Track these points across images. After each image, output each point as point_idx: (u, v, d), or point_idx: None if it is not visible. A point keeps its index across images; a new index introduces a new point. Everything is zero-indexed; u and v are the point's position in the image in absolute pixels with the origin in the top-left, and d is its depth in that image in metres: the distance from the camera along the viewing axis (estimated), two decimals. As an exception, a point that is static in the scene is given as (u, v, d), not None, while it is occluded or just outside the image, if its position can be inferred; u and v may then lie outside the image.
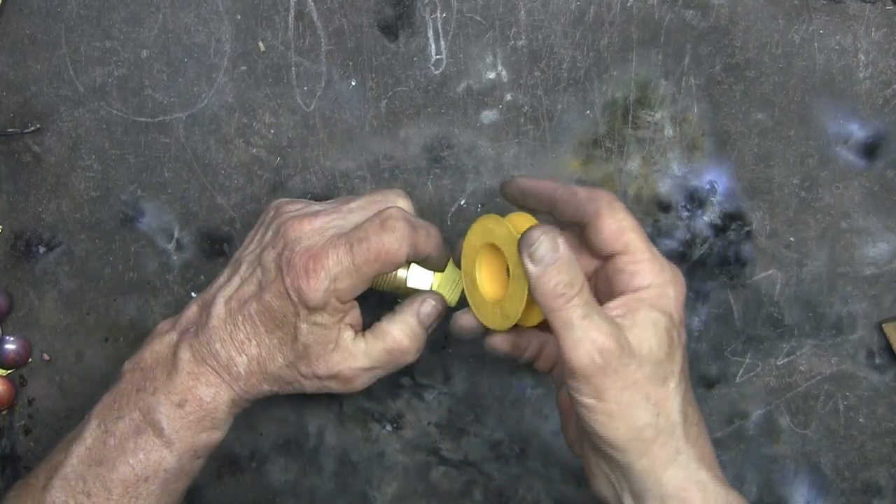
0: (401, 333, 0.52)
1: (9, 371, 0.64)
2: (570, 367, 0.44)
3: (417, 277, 0.54)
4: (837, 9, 0.58)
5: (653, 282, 0.47)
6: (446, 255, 0.54)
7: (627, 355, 0.44)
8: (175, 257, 0.63)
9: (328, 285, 0.48)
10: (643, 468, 0.45)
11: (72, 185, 0.63)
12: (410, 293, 0.55)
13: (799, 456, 0.63)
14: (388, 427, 0.65)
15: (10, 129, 0.62)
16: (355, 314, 0.52)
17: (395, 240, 0.49)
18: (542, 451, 0.64)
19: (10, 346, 0.64)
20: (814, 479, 0.64)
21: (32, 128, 0.62)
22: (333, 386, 0.52)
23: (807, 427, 0.63)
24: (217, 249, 0.63)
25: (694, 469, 0.46)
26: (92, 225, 0.63)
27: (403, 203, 0.53)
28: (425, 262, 0.54)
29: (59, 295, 0.64)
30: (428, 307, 0.53)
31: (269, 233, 0.52)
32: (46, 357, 0.64)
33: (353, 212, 0.52)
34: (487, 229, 0.50)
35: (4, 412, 0.65)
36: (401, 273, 0.53)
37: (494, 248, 0.51)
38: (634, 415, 0.45)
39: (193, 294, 0.63)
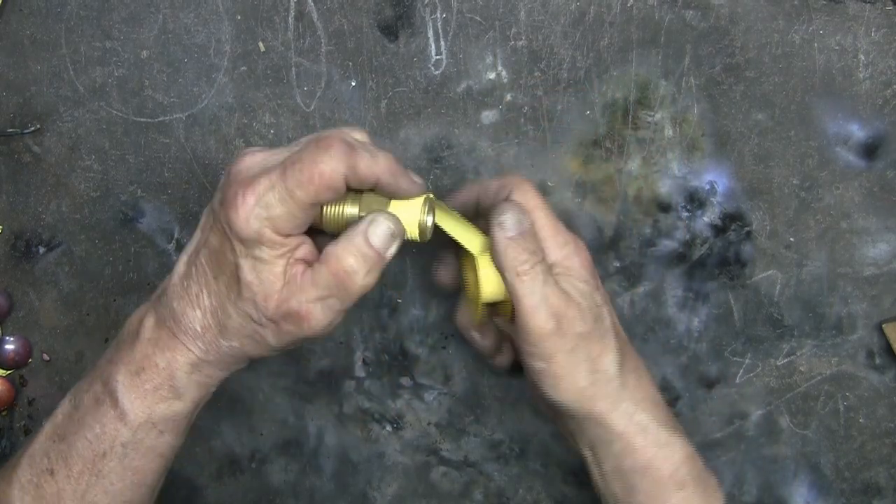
0: (344, 252, 0.46)
1: (9, 371, 0.64)
2: (527, 330, 0.49)
3: (370, 209, 0.48)
4: (837, 9, 0.58)
5: (560, 255, 0.52)
6: (408, 183, 0.48)
7: (574, 321, 0.50)
8: (175, 258, 0.63)
9: (258, 212, 0.44)
10: (591, 420, 0.51)
11: (72, 185, 0.63)
12: None
13: (799, 456, 0.63)
14: (388, 427, 0.65)
15: (10, 130, 0.62)
16: (307, 249, 0.47)
17: (328, 159, 0.45)
18: (542, 452, 0.64)
19: (10, 347, 0.64)
20: (814, 479, 0.64)
21: (32, 128, 0.62)
22: (292, 329, 0.46)
23: (807, 427, 0.63)
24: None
25: (633, 412, 0.51)
26: (92, 225, 0.63)
27: (358, 134, 0.48)
28: (384, 192, 0.49)
29: (59, 295, 0.64)
30: (379, 227, 0.47)
31: (223, 177, 0.48)
32: (46, 357, 0.64)
33: (300, 145, 0.47)
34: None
35: (4, 412, 0.65)
36: (351, 209, 0.48)
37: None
38: (578, 375, 0.50)
39: (193, 294, 0.63)
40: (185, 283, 0.48)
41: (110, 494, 0.48)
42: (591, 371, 0.50)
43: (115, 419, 0.47)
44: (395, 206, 0.49)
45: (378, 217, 0.47)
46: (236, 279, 0.46)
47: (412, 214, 0.49)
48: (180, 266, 0.49)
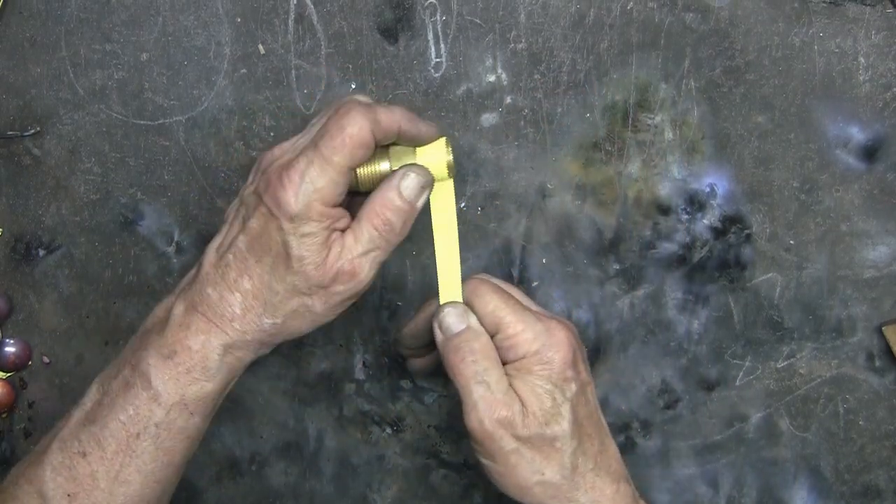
0: (382, 208, 0.50)
1: (9, 374, 0.64)
2: (466, 427, 0.50)
3: (400, 161, 0.52)
4: (837, 12, 0.58)
5: (527, 351, 0.51)
6: (424, 127, 0.52)
7: (515, 423, 0.49)
8: (175, 260, 0.63)
9: (305, 188, 0.48)
10: None
11: (71, 188, 0.63)
12: None
13: (799, 459, 0.63)
14: (388, 430, 0.65)
15: (9, 132, 0.62)
16: (346, 221, 0.50)
17: (352, 120, 0.48)
18: (542, 454, 0.64)
19: (10, 349, 0.64)
20: (814, 482, 0.64)
21: (32, 131, 0.62)
22: (342, 288, 0.50)
23: (807, 430, 0.63)
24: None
25: None
26: (92, 228, 0.63)
27: (363, 98, 0.52)
28: (405, 142, 0.52)
29: (59, 298, 0.64)
30: (409, 180, 0.51)
31: (250, 176, 0.52)
32: (46, 360, 0.64)
33: (315, 125, 0.51)
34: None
35: (4, 415, 0.65)
36: (383, 165, 0.52)
37: None
38: (521, 475, 0.50)
39: (193, 297, 0.63)
40: (221, 271, 0.50)
41: (143, 473, 0.50)
42: (535, 472, 0.50)
43: (149, 400, 0.49)
44: (421, 152, 0.53)
45: (408, 172, 0.51)
46: (285, 256, 0.49)
47: (439, 155, 0.53)
48: (210, 256, 0.51)
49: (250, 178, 0.52)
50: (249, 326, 0.50)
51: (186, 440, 0.51)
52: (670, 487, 0.64)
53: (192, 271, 0.53)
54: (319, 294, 0.50)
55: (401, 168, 0.51)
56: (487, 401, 0.49)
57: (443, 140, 0.53)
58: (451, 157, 0.53)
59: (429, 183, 0.52)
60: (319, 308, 0.50)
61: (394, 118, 0.50)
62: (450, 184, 0.53)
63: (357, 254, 0.50)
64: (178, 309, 0.50)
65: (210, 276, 0.50)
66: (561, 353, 0.51)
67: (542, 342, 0.51)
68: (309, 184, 0.48)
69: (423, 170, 0.52)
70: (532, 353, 0.50)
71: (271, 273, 0.49)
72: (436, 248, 0.54)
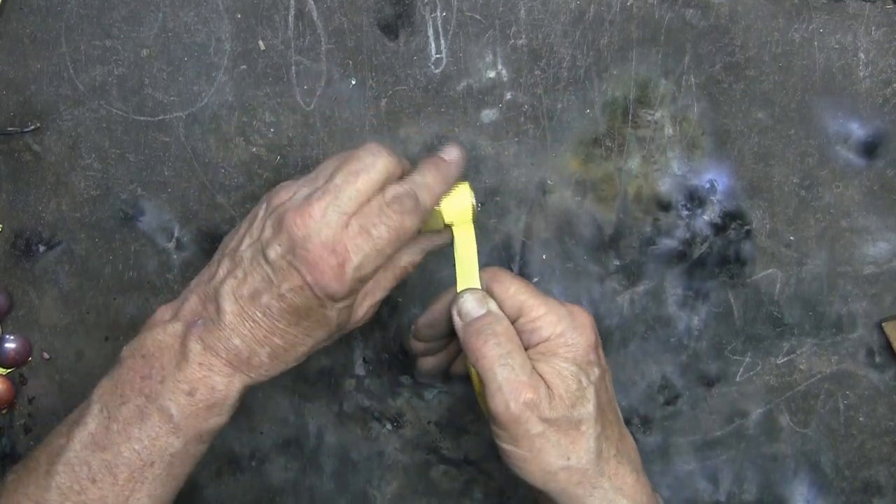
0: (409, 265, 0.53)
1: (9, 370, 0.64)
2: (490, 413, 0.49)
3: (429, 222, 0.54)
4: (837, 8, 0.58)
5: (552, 333, 0.51)
6: (447, 169, 0.53)
7: (541, 405, 0.49)
8: (175, 256, 0.63)
9: (353, 275, 0.49)
10: (566, 500, 0.50)
11: (72, 184, 0.63)
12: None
13: (799, 455, 0.63)
14: (389, 426, 0.65)
15: (9, 128, 0.62)
16: None
17: (410, 219, 0.50)
18: (542, 450, 0.64)
19: (10, 345, 0.64)
20: (814, 478, 0.64)
21: (32, 127, 0.62)
22: (356, 328, 0.54)
23: (807, 426, 0.63)
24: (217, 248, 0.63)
25: (612, 499, 0.50)
26: (92, 224, 0.63)
27: (383, 162, 0.50)
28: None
29: (59, 294, 0.64)
30: (435, 245, 0.55)
31: (268, 229, 0.50)
32: (46, 356, 0.64)
33: (341, 188, 0.49)
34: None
35: (4, 411, 0.65)
36: None
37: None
38: (546, 460, 0.49)
39: (193, 293, 0.63)
40: (249, 326, 0.50)
41: (152, 498, 0.50)
42: (561, 457, 0.49)
43: (169, 433, 0.49)
44: (446, 202, 0.53)
45: (437, 241, 0.54)
46: (323, 323, 0.51)
47: (464, 202, 0.53)
48: (229, 304, 0.50)
49: (265, 230, 0.51)
50: (275, 370, 0.51)
51: (192, 465, 0.52)
52: (670, 483, 0.64)
53: (194, 300, 0.51)
54: (338, 335, 0.53)
55: (435, 237, 0.54)
56: (512, 383, 0.49)
57: (465, 186, 0.53)
58: (474, 200, 0.53)
59: (448, 242, 0.55)
60: (333, 341, 0.53)
61: (435, 194, 0.51)
62: (471, 225, 0.54)
63: (379, 299, 0.53)
64: (196, 347, 0.50)
65: (236, 328, 0.50)
66: (585, 336, 0.51)
67: (567, 324, 0.50)
68: (357, 271, 0.49)
69: (449, 236, 0.54)
70: (557, 335, 0.50)
71: (306, 332, 0.51)
72: (456, 265, 0.54)
